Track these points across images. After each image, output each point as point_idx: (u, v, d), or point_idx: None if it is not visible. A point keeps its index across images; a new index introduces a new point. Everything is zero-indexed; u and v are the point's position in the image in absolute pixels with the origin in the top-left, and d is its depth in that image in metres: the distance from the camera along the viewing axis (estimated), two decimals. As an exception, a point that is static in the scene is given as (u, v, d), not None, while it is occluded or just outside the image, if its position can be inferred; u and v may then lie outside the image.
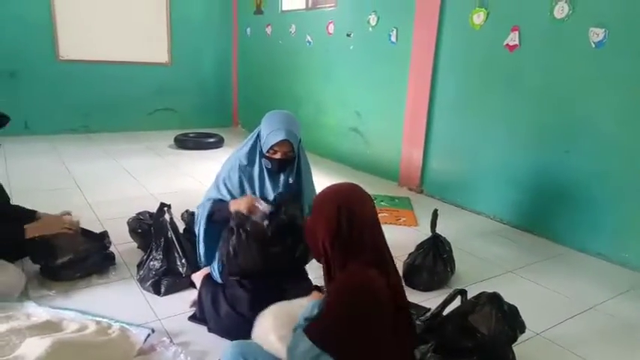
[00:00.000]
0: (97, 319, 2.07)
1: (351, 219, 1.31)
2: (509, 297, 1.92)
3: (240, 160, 2.17)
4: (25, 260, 2.49)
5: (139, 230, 2.79)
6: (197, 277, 2.38)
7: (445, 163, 4.22)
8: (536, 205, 3.50)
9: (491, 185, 3.80)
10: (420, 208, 3.92)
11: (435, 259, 2.58)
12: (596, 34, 3.00)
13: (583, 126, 3.15)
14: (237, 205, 2.07)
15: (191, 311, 2.23)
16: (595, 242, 3.16)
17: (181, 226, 2.78)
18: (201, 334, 2.07)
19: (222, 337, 2.03)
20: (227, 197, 2.16)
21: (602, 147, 3.07)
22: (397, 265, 2.69)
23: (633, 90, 2.88)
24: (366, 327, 1.25)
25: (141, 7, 6.53)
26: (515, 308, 1.89)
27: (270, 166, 2.15)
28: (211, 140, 6.06)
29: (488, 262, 3.00)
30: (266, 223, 2.07)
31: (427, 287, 2.57)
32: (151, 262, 2.46)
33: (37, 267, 2.46)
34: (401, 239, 3.21)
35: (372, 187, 4.38)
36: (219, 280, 2.23)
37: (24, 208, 2.53)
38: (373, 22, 4.73)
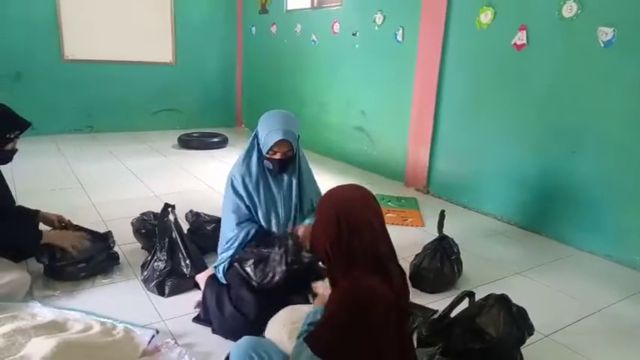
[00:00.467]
0: (102, 319, 2.06)
1: (352, 227, 1.28)
2: (516, 298, 1.89)
3: (243, 168, 2.17)
4: (30, 260, 2.49)
5: (143, 231, 2.78)
6: (201, 278, 2.36)
7: (452, 163, 4.18)
8: (544, 206, 3.47)
9: (498, 186, 3.77)
10: (427, 209, 3.89)
11: (442, 260, 2.55)
12: (605, 33, 2.96)
13: (591, 126, 3.12)
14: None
15: (195, 312, 2.22)
16: (603, 244, 3.12)
17: (185, 227, 2.77)
18: (205, 335, 2.05)
19: (227, 338, 2.01)
20: (245, 211, 2.20)
21: (610, 147, 3.03)
22: (404, 266, 2.68)
23: (643, 89, 2.85)
24: (366, 337, 1.23)
25: (145, 7, 6.53)
26: (524, 310, 1.87)
27: (271, 167, 2.15)
28: (215, 140, 6.05)
29: (496, 263, 2.97)
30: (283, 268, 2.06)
31: (434, 289, 2.54)
32: (155, 263, 2.45)
33: (41, 267, 2.45)
34: (407, 240, 3.19)
35: (378, 187, 4.36)
36: (223, 281, 2.22)
37: (27, 208, 2.55)
38: (379, 21, 4.71)
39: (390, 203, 3.95)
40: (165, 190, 4.09)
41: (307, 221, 2.24)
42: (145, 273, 2.47)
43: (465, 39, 3.89)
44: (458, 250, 2.66)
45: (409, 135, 4.50)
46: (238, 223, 2.19)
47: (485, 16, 3.67)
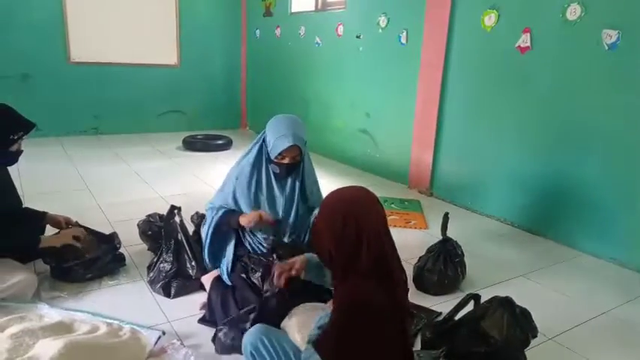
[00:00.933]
0: (108, 320, 2.08)
1: (358, 229, 1.28)
2: (520, 301, 1.90)
3: (246, 167, 2.19)
4: (37, 261, 2.51)
5: (149, 232, 2.80)
6: (207, 280, 2.38)
7: (455, 165, 4.19)
8: (548, 208, 3.47)
9: (502, 188, 3.77)
10: (430, 211, 3.90)
11: (445, 262, 2.56)
12: (610, 35, 2.96)
13: (595, 129, 3.12)
14: (246, 221, 2.11)
15: (201, 313, 2.23)
16: (608, 246, 3.12)
17: (191, 229, 2.78)
18: (211, 337, 2.05)
19: (232, 339, 2.02)
20: (232, 205, 2.21)
21: (615, 150, 3.03)
22: (408, 269, 2.68)
23: (647, 92, 2.85)
24: (369, 343, 1.25)
25: (150, 10, 6.57)
26: (528, 312, 1.88)
27: (278, 171, 2.17)
28: (220, 142, 6.07)
29: (500, 265, 2.98)
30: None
31: (437, 291, 2.54)
32: (161, 265, 2.47)
33: (47, 268, 2.48)
34: (411, 242, 3.20)
35: (381, 189, 4.37)
36: (228, 283, 2.24)
37: (34, 210, 2.56)
38: (383, 24, 4.72)
39: (393, 205, 3.96)
40: (171, 191, 4.12)
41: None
42: (151, 274, 2.49)
43: (469, 41, 3.90)
44: (462, 252, 2.66)
45: (413, 137, 4.51)
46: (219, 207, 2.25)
47: (489, 19, 3.68)
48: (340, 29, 5.34)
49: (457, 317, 1.93)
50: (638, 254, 2.98)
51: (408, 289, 1.46)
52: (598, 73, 3.07)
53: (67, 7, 5.95)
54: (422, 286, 2.57)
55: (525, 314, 1.85)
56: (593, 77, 3.10)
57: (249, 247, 2.26)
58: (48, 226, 2.57)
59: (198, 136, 6.21)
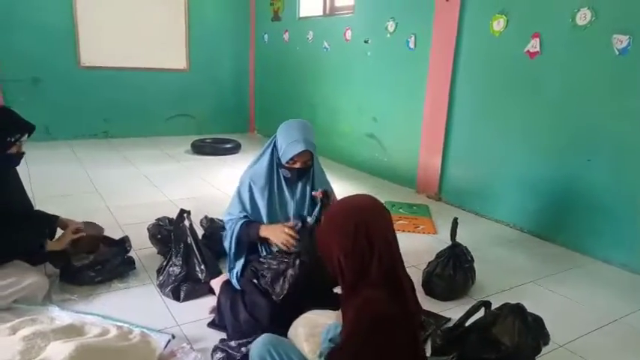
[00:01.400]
0: (118, 323, 2.09)
1: (369, 237, 1.26)
2: (531, 307, 1.89)
3: (262, 171, 2.19)
4: (47, 264, 2.53)
5: (159, 236, 2.82)
6: (216, 283, 2.39)
7: (464, 170, 4.18)
8: (558, 214, 3.44)
9: (511, 193, 3.75)
10: (439, 216, 3.88)
11: (454, 268, 2.54)
12: (620, 40, 2.95)
13: (605, 134, 3.10)
14: (269, 234, 2.13)
15: (210, 317, 2.24)
16: (619, 253, 3.09)
17: (200, 232, 2.79)
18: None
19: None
20: (249, 211, 2.21)
21: (626, 155, 3.01)
22: (417, 274, 2.67)
23: (659, 97, 2.83)
24: (385, 354, 1.22)
25: (160, 15, 6.62)
26: (540, 319, 1.87)
27: (289, 176, 2.17)
28: (228, 146, 6.10)
29: (509, 271, 2.96)
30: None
31: (447, 297, 2.53)
32: (171, 268, 2.48)
33: (58, 271, 2.49)
34: (419, 247, 3.19)
35: (389, 194, 4.36)
36: (237, 287, 2.24)
37: (46, 213, 2.56)
38: (391, 29, 4.73)
39: (401, 210, 3.95)
40: (179, 195, 4.14)
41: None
42: (161, 278, 2.50)
43: (478, 46, 3.89)
44: (471, 257, 2.65)
45: (421, 142, 4.50)
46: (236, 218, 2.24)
47: (498, 24, 3.67)
48: (348, 34, 5.35)
49: (467, 324, 1.91)
50: (649, 261, 2.96)
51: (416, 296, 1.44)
52: (608, 78, 3.05)
53: (78, 12, 6.01)
54: (431, 291, 2.56)
55: (538, 321, 1.84)
56: (603, 82, 3.08)
57: (260, 247, 2.26)
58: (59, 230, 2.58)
59: (207, 140, 6.23)
